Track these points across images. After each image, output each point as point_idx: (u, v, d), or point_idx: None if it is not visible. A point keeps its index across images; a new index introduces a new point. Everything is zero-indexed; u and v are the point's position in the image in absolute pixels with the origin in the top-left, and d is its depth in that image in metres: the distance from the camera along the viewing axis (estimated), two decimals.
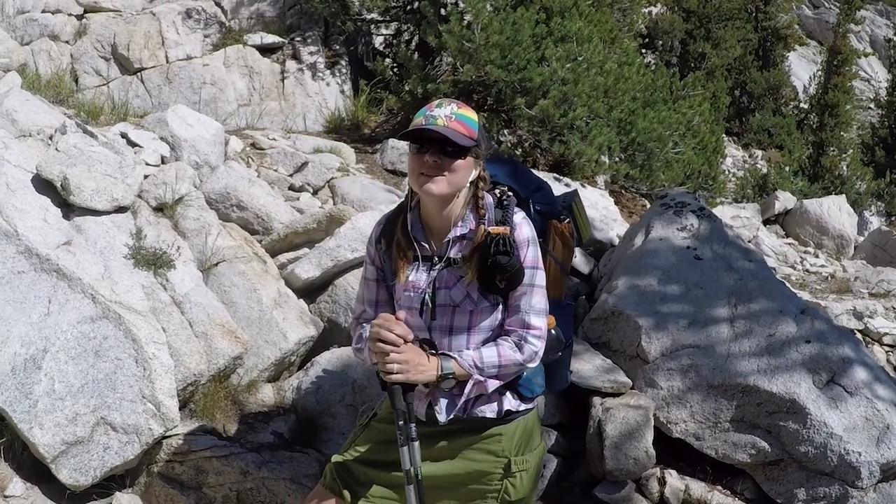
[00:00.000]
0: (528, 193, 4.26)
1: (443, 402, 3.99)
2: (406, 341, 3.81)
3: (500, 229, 3.85)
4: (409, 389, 3.86)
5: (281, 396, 7.06)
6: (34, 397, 5.87)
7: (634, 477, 6.75)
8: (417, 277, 4.00)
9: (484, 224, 3.92)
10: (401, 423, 3.83)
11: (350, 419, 6.78)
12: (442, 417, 3.98)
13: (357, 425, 4.47)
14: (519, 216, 3.96)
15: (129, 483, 6.14)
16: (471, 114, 3.89)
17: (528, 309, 3.96)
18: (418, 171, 3.81)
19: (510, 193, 4.08)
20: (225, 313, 6.97)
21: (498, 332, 4.02)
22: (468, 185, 3.92)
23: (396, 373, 3.77)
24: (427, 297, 3.96)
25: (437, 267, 3.97)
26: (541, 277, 3.99)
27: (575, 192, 4.69)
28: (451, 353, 3.91)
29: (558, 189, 7.99)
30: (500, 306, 3.99)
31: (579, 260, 8.79)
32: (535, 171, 5.49)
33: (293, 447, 6.56)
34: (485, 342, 3.99)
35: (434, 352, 3.94)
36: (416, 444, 3.84)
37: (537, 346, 3.99)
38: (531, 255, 3.93)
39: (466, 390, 3.93)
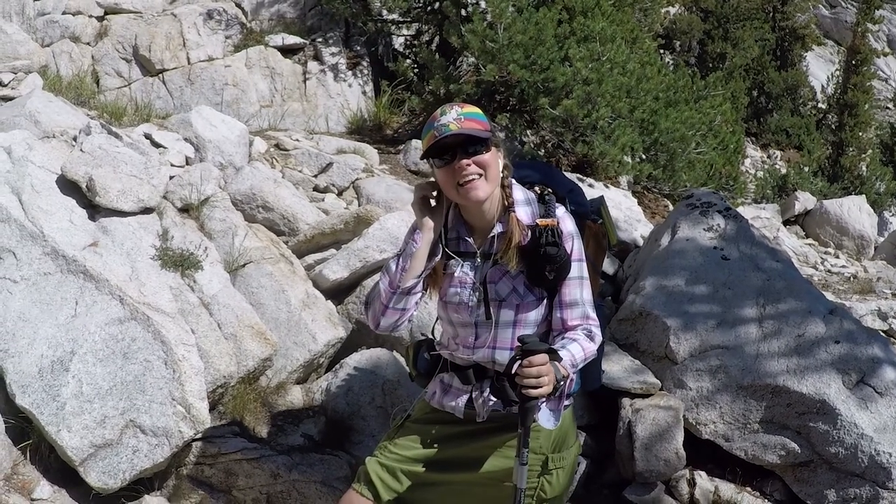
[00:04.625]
0: (563, 194, 4.27)
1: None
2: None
3: (548, 221, 3.90)
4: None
5: (310, 398, 7.04)
6: (62, 400, 5.84)
7: (664, 478, 6.73)
8: (463, 274, 4.02)
9: (513, 211, 3.95)
10: (528, 438, 3.79)
11: (380, 421, 6.78)
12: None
13: (391, 426, 4.46)
14: (561, 210, 4.01)
15: (157, 486, 6.09)
16: (475, 109, 3.95)
17: (583, 302, 4.02)
18: (453, 182, 3.84)
19: (550, 190, 4.11)
20: (253, 314, 6.96)
21: (543, 327, 4.05)
22: (500, 175, 3.95)
23: (545, 385, 3.64)
24: (477, 292, 3.99)
25: (486, 264, 3.99)
26: (586, 269, 4.04)
27: (602, 198, 4.74)
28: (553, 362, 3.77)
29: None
30: (545, 300, 4.00)
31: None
32: None
33: (323, 449, 6.54)
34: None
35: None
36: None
37: (600, 335, 4.06)
38: (577, 247, 3.99)
39: (565, 390, 3.88)
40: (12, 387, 5.91)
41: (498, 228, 3.96)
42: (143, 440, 5.82)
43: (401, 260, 4.02)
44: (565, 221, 3.97)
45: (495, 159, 3.89)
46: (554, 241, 3.84)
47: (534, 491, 4.08)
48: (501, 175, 3.96)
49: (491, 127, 3.93)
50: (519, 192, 4.05)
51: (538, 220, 3.91)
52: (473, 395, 4.07)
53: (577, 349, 3.89)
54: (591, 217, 4.48)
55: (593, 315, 4.04)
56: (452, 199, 3.95)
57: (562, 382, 3.74)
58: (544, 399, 3.72)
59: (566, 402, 4.10)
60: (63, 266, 6.35)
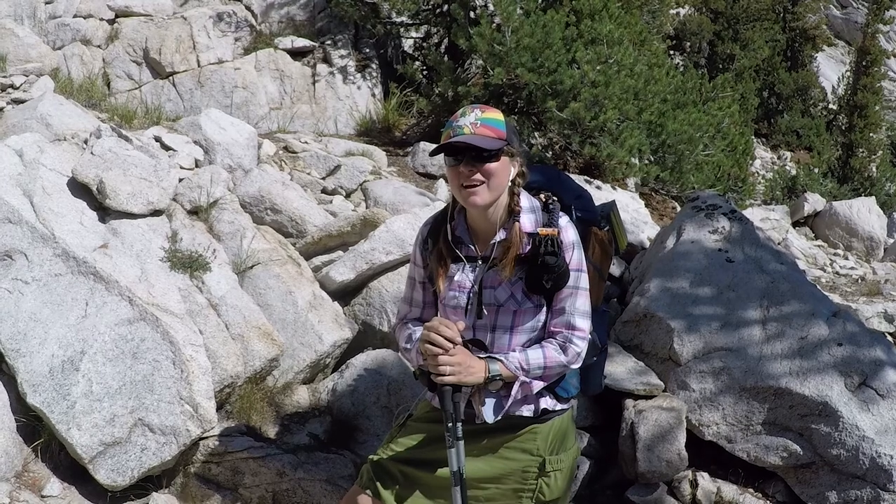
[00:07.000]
0: (570, 201, 4.27)
1: (489, 403, 4.02)
2: (456, 344, 3.86)
3: (549, 230, 3.90)
4: (457, 390, 3.89)
5: (316, 398, 7.08)
6: (72, 399, 5.92)
7: (667, 479, 6.75)
8: (463, 278, 4.04)
9: (518, 221, 3.97)
10: (449, 424, 3.86)
11: (385, 420, 6.83)
12: (489, 418, 4.02)
13: (393, 426, 4.51)
14: (564, 220, 4.00)
15: (165, 483, 6.16)
16: (496, 115, 3.93)
17: (573, 311, 4.01)
18: (458, 182, 3.86)
19: (555, 198, 4.12)
20: (261, 315, 7.01)
21: (541, 334, 4.06)
22: (509, 183, 3.96)
23: (448, 374, 3.82)
24: (472, 296, 4.01)
25: (483, 268, 4.01)
26: (585, 280, 4.04)
27: (613, 203, 4.72)
28: (497, 356, 3.95)
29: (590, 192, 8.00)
30: (544, 308, 4.02)
31: None
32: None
33: (329, 448, 6.60)
34: (527, 342, 4.03)
35: (481, 354, 3.98)
36: (462, 443, 3.88)
37: (581, 347, 4.03)
38: (576, 257, 3.98)
39: (513, 391, 3.97)
40: (23, 386, 6.00)
41: (500, 235, 3.98)
42: (151, 438, 5.90)
43: (413, 352, 4.18)
44: (567, 231, 3.97)
45: (504, 168, 3.89)
46: (553, 251, 3.85)
47: (532, 493, 4.13)
48: (512, 183, 3.97)
49: (508, 135, 3.91)
50: (525, 200, 4.05)
51: (539, 229, 3.92)
52: (478, 399, 4.09)
53: (535, 355, 3.97)
54: (599, 223, 4.46)
55: (581, 325, 4.03)
56: (456, 196, 3.97)
57: (497, 378, 3.91)
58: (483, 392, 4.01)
59: (562, 406, 4.18)
60: (73, 267, 6.43)
